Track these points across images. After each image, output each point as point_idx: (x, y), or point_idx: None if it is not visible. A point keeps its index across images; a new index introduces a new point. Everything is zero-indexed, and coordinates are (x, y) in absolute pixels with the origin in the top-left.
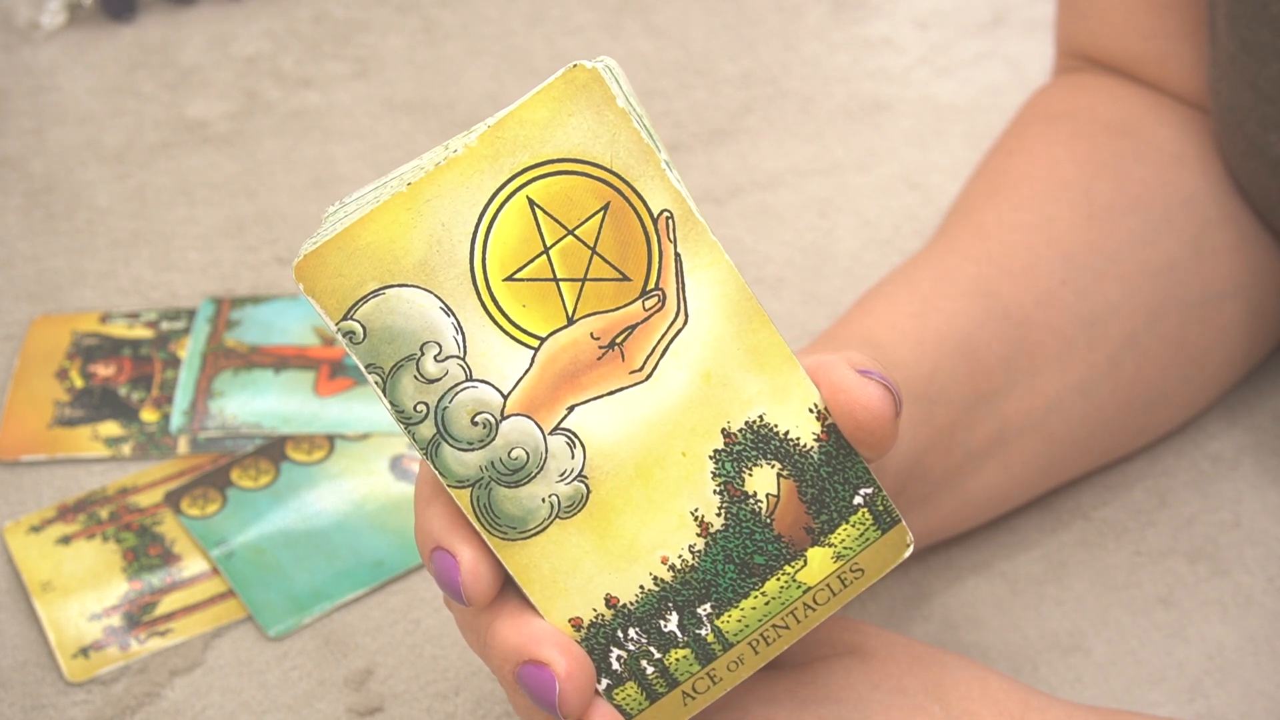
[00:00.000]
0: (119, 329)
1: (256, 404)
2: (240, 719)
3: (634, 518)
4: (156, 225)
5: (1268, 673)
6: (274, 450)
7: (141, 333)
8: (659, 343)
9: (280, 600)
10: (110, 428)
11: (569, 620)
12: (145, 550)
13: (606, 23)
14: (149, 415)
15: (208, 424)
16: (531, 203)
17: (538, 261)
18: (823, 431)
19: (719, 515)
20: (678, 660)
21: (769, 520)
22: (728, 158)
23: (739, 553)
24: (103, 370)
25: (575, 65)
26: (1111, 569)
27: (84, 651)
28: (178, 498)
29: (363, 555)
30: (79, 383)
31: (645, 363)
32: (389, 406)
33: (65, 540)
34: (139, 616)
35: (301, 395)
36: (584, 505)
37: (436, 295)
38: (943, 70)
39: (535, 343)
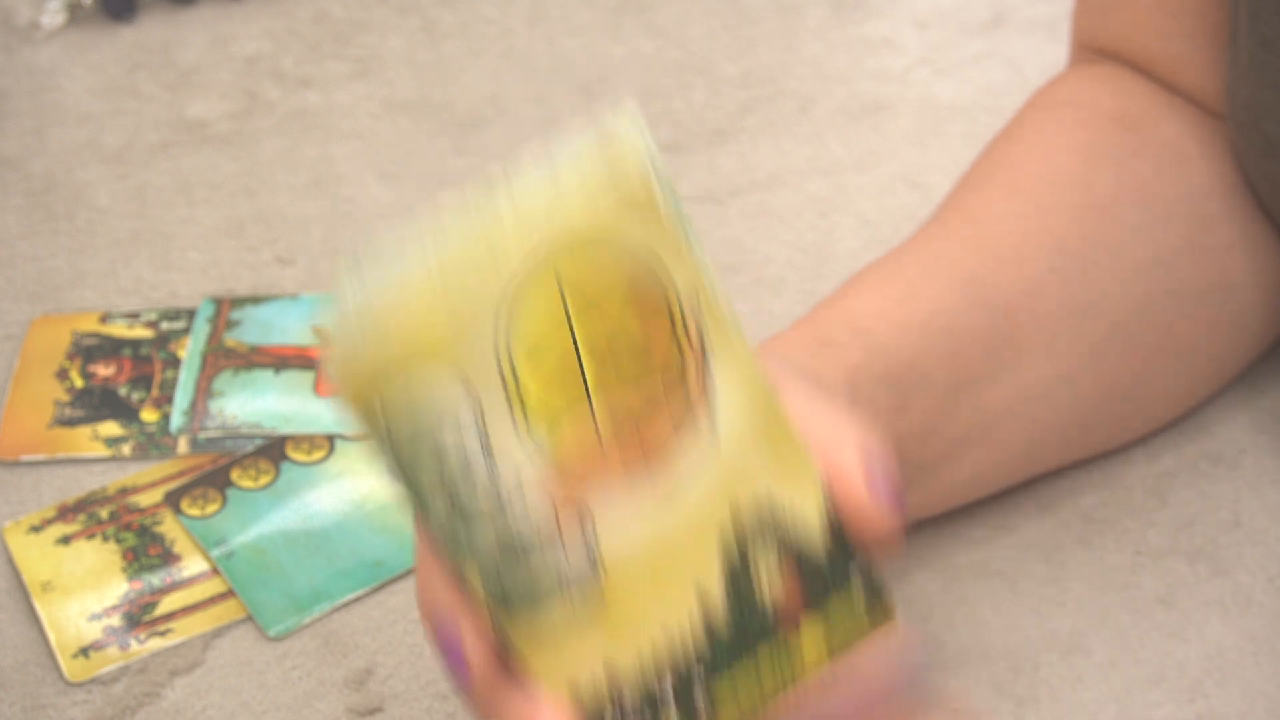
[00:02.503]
0: (119, 329)
1: (256, 404)
2: (240, 719)
3: (639, 591)
4: (157, 225)
5: (1268, 673)
6: (274, 450)
7: (141, 333)
8: (680, 450)
9: (280, 600)
10: (110, 428)
11: (567, 684)
12: (145, 550)
13: (606, 23)
14: (149, 415)
15: (208, 424)
16: (560, 280)
17: (561, 341)
18: (826, 515)
19: (721, 589)
20: None
21: (768, 597)
22: (728, 158)
23: (737, 626)
24: (103, 370)
25: (610, 138)
26: (1111, 569)
27: (84, 651)
28: (178, 498)
29: (363, 555)
30: (79, 383)
31: (664, 464)
32: (404, 480)
33: (65, 540)
34: (139, 616)
35: (302, 395)
36: (592, 581)
37: (458, 371)
38: (942, 70)
39: (555, 423)
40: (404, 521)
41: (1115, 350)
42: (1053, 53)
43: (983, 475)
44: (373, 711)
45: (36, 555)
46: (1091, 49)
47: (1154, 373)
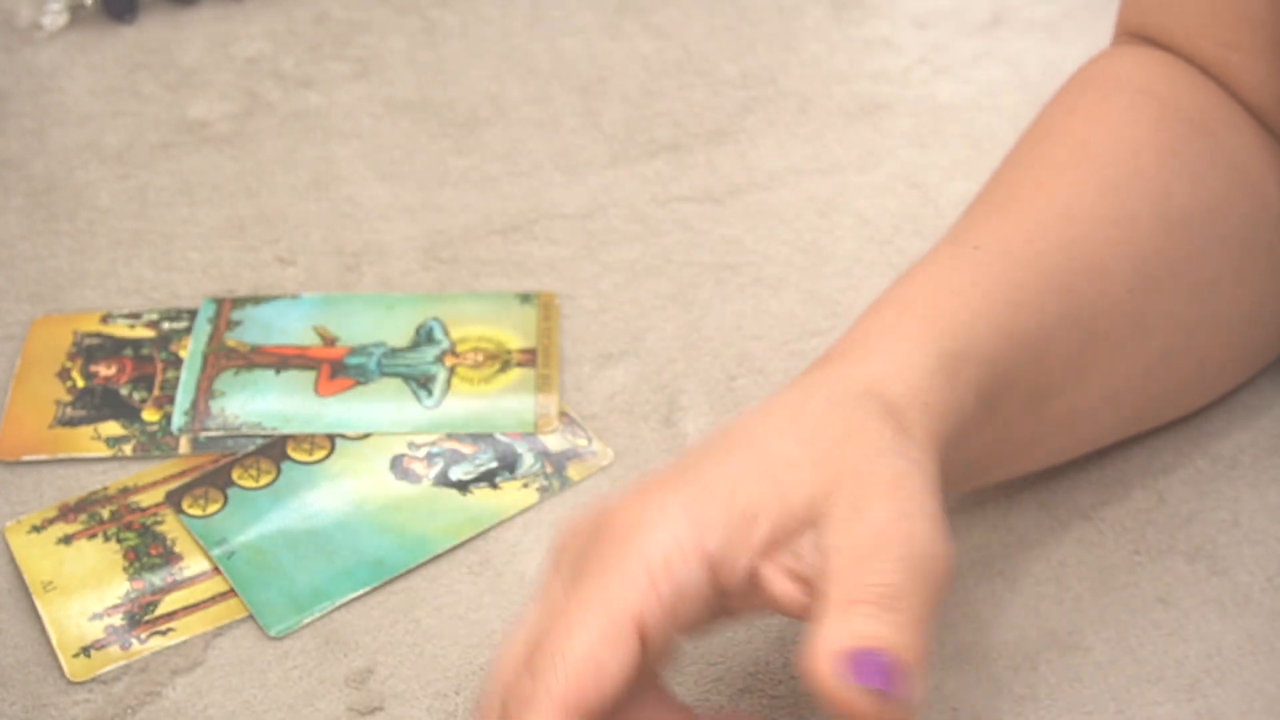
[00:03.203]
0: (120, 329)
1: (257, 404)
2: (241, 718)
3: None
4: (157, 225)
5: (1266, 671)
6: (275, 450)
7: (143, 333)
8: None
9: (281, 599)
10: (111, 427)
11: None
12: (146, 550)
13: (606, 23)
14: (150, 415)
15: (209, 424)
16: None
17: None
18: None
19: None
20: None
21: None
22: (727, 158)
23: None
24: (104, 370)
25: None
26: (1110, 568)
27: (85, 651)
28: (179, 497)
29: (363, 555)
30: (80, 383)
31: None
32: None
33: (66, 540)
34: (140, 616)
35: (302, 395)
36: None
37: None
38: (942, 70)
39: None
40: (404, 521)
41: (1162, 373)
42: (1053, 53)
43: (1004, 477)
44: (373, 710)
45: (38, 555)
46: (1140, 37)
47: (1183, 397)
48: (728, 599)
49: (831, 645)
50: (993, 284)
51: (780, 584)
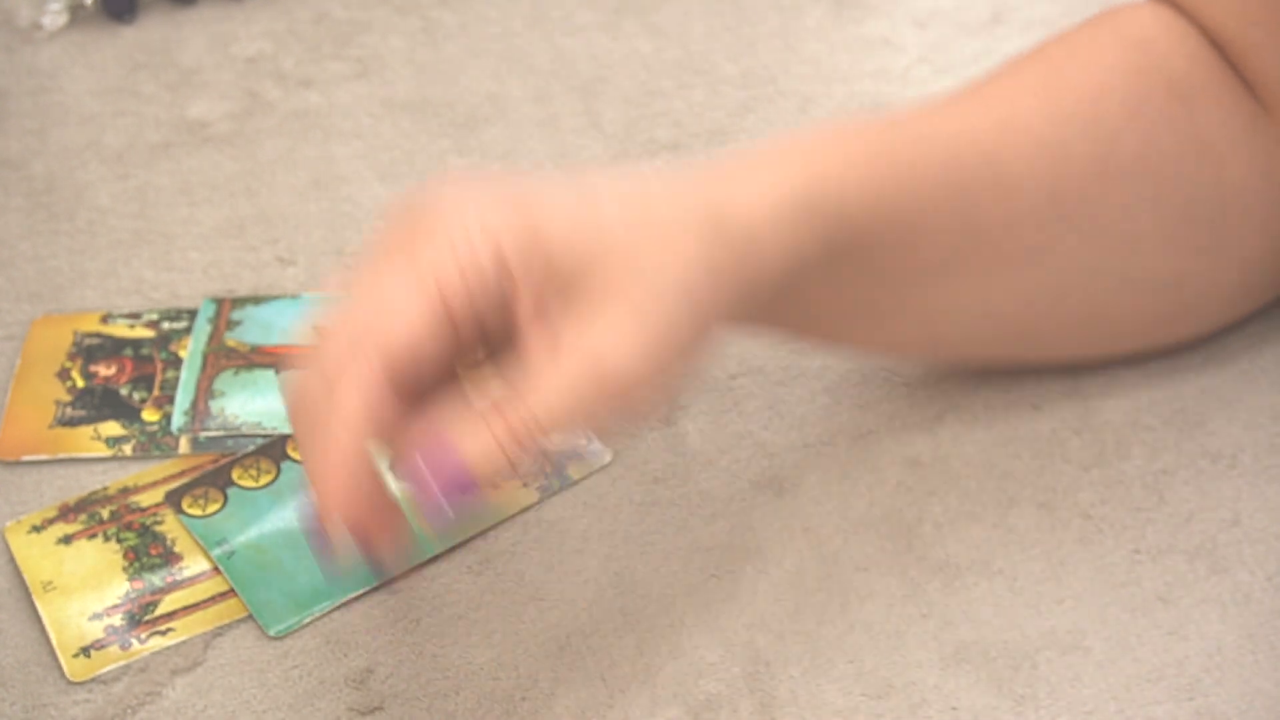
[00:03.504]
0: (120, 329)
1: (257, 404)
2: (241, 718)
3: None
4: (157, 225)
5: (1267, 670)
6: (275, 450)
7: (143, 333)
8: None
9: (281, 599)
10: (111, 428)
11: None
12: (146, 550)
13: (606, 23)
14: (150, 415)
15: (209, 424)
16: None
17: None
18: None
19: None
20: None
21: None
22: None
23: None
24: (104, 370)
25: None
26: (1110, 567)
27: (85, 651)
28: (179, 497)
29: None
30: (80, 383)
31: None
32: None
33: (66, 540)
34: (140, 616)
35: None
36: None
37: None
38: (942, 69)
39: None
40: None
41: (1047, 307)
42: None
43: (862, 346)
44: (373, 710)
45: (37, 555)
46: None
47: (1072, 340)
48: (497, 330)
49: (434, 429)
50: (885, 157)
51: (529, 330)
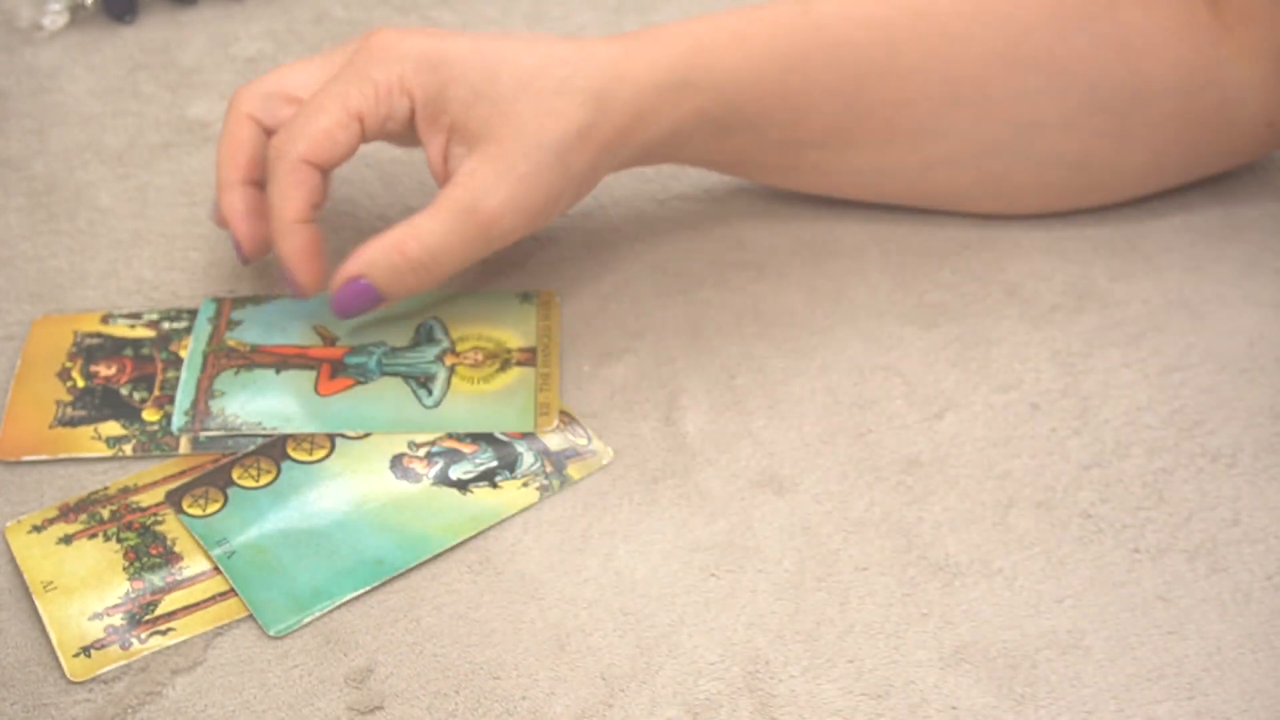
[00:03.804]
0: (121, 329)
1: (258, 403)
2: (241, 717)
3: None
4: (158, 225)
5: (1266, 670)
6: (275, 449)
7: (143, 333)
8: None
9: (281, 599)
10: (112, 428)
11: None
12: (146, 549)
13: (606, 22)
14: (150, 415)
15: (209, 423)
16: None
17: None
18: None
19: None
20: None
21: None
22: None
23: None
24: (104, 370)
25: None
26: (1110, 566)
27: (85, 650)
28: (179, 497)
29: (363, 554)
30: (81, 383)
31: None
32: None
33: (67, 540)
34: (140, 615)
35: (302, 395)
36: None
37: None
38: None
39: None
40: (405, 520)
41: (944, 173)
42: None
43: (772, 184)
44: (373, 709)
45: (38, 555)
46: None
47: (969, 199)
48: (414, 137)
49: (344, 271)
50: (775, 40)
51: (435, 160)
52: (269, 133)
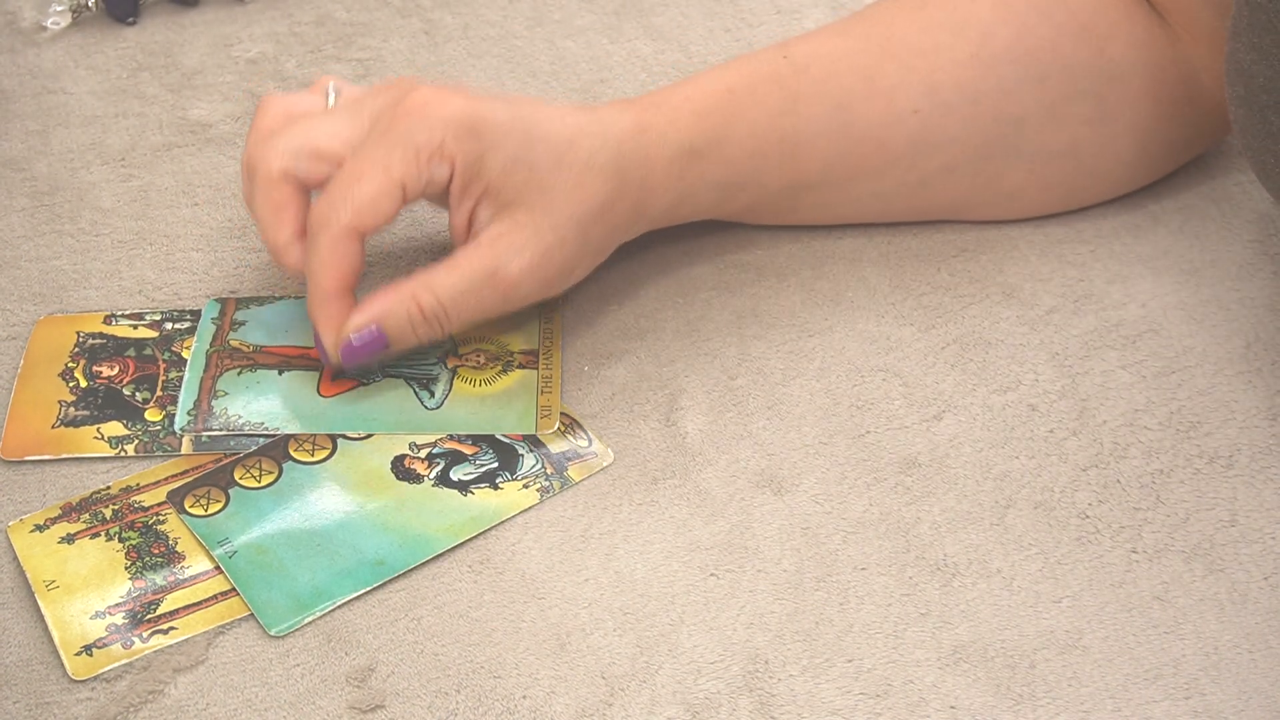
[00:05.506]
0: (123, 329)
1: (260, 404)
2: (243, 716)
3: None
4: (160, 226)
5: (1264, 670)
6: (277, 450)
7: (146, 333)
8: None
9: (282, 599)
10: (114, 428)
11: None
12: (148, 549)
13: (606, 25)
14: (153, 415)
15: (211, 424)
16: None
17: None
18: None
19: None
20: None
21: None
22: None
23: None
24: (107, 370)
25: None
26: (1108, 567)
27: (87, 649)
28: (181, 497)
29: (364, 554)
30: (83, 383)
31: None
32: None
33: (69, 539)
34: (142, 615)
35: (305, 395)
36: None
37: None
38: None
39: None
40: (406, 521)
41: (941, 185)
42: None
43: (771, 223)
44: (374, 708)
45: (40, 554)
46: None
47: (965, 208)
48: (445, 200)
49: (356, 320)
50: (765, 89)
51: (460, 223)
52: (306, 189)
